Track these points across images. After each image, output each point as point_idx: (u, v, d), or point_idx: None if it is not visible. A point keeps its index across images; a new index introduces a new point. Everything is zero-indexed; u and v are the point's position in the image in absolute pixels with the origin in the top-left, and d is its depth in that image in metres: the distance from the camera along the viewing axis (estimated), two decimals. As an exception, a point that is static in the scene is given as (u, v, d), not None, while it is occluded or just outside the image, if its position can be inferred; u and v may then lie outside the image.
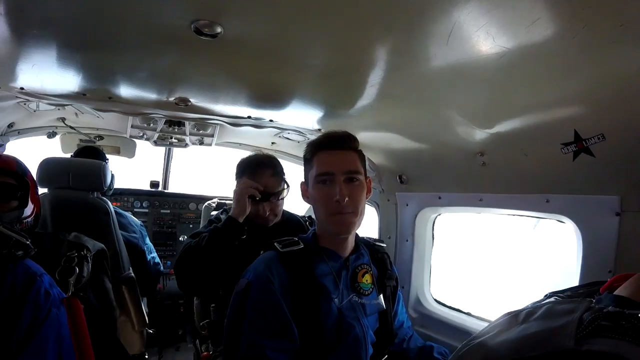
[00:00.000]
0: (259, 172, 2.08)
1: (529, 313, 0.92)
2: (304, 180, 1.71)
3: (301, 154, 3.27)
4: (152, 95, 2.10)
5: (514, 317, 0.95)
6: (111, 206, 2.63)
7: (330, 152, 1.57)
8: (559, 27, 1.02)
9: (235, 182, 2.26)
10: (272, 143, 3.29)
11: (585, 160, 1.41)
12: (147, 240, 3.29)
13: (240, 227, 1.91)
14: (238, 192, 1.96)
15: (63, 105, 2.31)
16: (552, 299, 1.00)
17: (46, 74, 1.79)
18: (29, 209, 1.59)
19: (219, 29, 1.16)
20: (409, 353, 1.84)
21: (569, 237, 1.67)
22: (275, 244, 1.63)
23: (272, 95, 1.99)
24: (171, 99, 2.05)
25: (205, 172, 5.39)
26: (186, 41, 1.29)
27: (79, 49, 1.53)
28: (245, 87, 1.93)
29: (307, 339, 1.51)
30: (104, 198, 2.63)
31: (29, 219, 1.61)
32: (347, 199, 1.49)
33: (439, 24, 1.10)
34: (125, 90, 2.00)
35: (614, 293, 0.93)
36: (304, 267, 1.58)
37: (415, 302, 2.52)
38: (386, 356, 1.77)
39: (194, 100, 2.08)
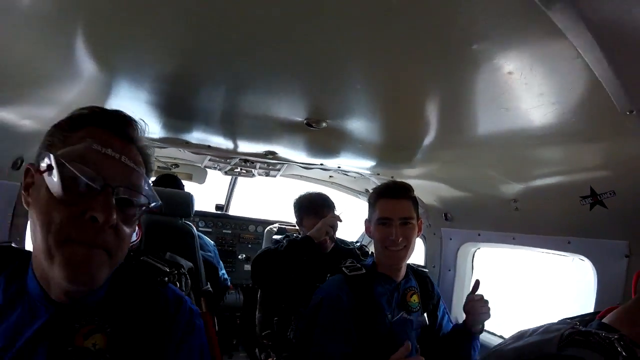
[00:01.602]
0: (325, 212, 2.46)
1: (534, 330, 1.18)
2: (368, 218, 2.02)
3: (356, 187, 3.66)
4: (247, 150, 2.45)
5: (523, 333, 1.21)
6: (195, 230, 2.95)
7: (390, 201, 1.89)
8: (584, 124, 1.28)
9: (294, 215, 2.67)
10: (330, 176, 3.58)
11: (600, 211, 1.63)
12: (219, 259, 3.58)
13: (313, 246, 2.20)
14: (325, 224, 2.26)
15: (165, 147, 2.64)
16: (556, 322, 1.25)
17: (161, 126, 2.09)
18: (136, 233, 1.80)
19: (324, 124, 1.56)
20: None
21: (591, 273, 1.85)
22: (343, 269, 1.97)
23: (344, 154, 2.32)
24: (262, 151, 2.41)
25: (263, 197, 5.71)
26: (297, 129, 1.68)
27: (199, 122, 1.93)
28: (325, 151, 2.28)
29: (365, 346, 1.81)
30: (189, 223, 2.94)
31: (136, 241, 1.85)
32: (401, 239, 1.82)
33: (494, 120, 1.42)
34: (226, 144, 2.35)
35: (602, 320, 1.15)
36: (366, 288, 1.89)
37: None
38: None
39: (280, 154, 2.43)
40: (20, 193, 2.06)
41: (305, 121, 1.58)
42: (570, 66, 0.92)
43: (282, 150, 2.39)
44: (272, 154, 2.47)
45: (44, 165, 0.88)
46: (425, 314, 2.03)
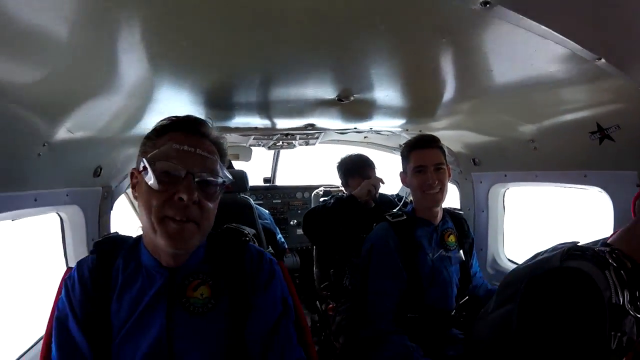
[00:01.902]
0: (367, 171, 2.73)
1: (545, 251, 1.39)
2: (402, 170, 2.24)
3: (389, 143, 3.87)
4: (288, 126, 2.69)
5: (538, 253, 1.43)
6: (252, 202, 3.25)
7: (423, 151, 2.11)
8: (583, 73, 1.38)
9: (338, 177, 2.90)
10: (365, 137, 3.81)
11: (609, 144, 1.76)
12: (275, 225, 3.87)
13: (357, 203, 2.45)
14: (368, 185, 2.49)
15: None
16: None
17: (204, 117, 2.22)
18: None
19: (352, 98, 1.79)
20: (479, 294, 2.33)
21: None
22: (387, 216, 2.19)
23: (375, 117, 2.52)
24: (302, 125, 2.65)
25: (306, 164, 5.89)
26: (330, 104, 1.92)
27: (241, 110, 2.14)
28: (357, 117, 2.48)
29: (411, 281, 2.04)
30: (246, 196, 3.25)
31: None
32: (436, 182, 2.04)
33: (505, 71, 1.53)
34: (269, 123, 2.58)
35: (607, 241, 1.34)
36: (408, 231, 2.11)
37: (492, 262, 2.96)
38: (467, 297, 2.23)
39: (318, 124, 2.66)
40: (103, 195, 2.45)
41: (336, 98, 1.81)
42: (525, 37, 1.09)
43: (319, 121, 2.60)
44: (312, 126, 2.70)
45: (141, 167, 1.16)
46: (461, 251, 2.23)
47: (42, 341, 1.38)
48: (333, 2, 0.97)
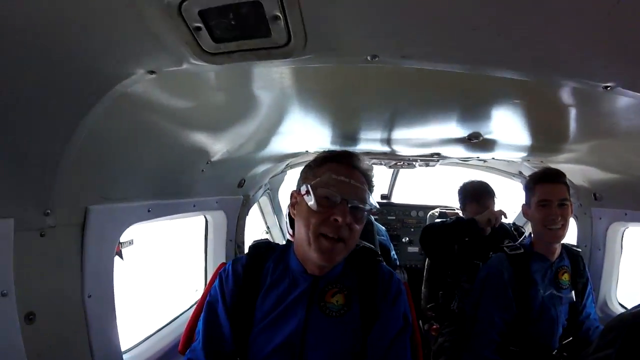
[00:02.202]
0: (486, 199, 2.84)
1: None
2: (525, 202, 2.23)
3: (509, 169, 3.90)
4: (414, 153, 2.92)
5: None
6: (373, 219, 3.43)
7: (548, 185, 2.09)
8: None
9: (458, 200, 3.01)
10: (484, 162, 3.74)
11: None
12: (390, 242, 4.01)
13: (475, 227, 2.51)
14: (491, 214, 2.55)
15: None
16: None
17: (329, 142, 2.50)
18: None
19: (481, 138, 2.02)
20: (591, 338, 2.14)
21: None
22: (505, 248, 2.22)
23: (497, 150, 2.67)
24: (428, 153, 2.88)
25: (424, 184, 5.98)
26: (458, 142, 2.18)
27: (370, 139, 2.39)
28: (481, 149, 2.64)
29: (519, 315, 2.05)
30: None
31: None
32: (559, 218, 2.02)
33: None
34: (394, 151, 2.81)
35: None
36: (523, 265, 2.12)
37: (602, 304, 2.82)
38: (571, 338, 2.15)
39: (443, 153, 2.88)
40: (243, 202, 2.90)
41: (466, 137, 2.06)
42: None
43: (444, 150, 2.81)
44: (437, 154, 2.93)
45: (303, 190, 1.36)
46: (572, 292, 2.18)
47: (190, 313, 1.69)
48: (476, 82, 1.22)
